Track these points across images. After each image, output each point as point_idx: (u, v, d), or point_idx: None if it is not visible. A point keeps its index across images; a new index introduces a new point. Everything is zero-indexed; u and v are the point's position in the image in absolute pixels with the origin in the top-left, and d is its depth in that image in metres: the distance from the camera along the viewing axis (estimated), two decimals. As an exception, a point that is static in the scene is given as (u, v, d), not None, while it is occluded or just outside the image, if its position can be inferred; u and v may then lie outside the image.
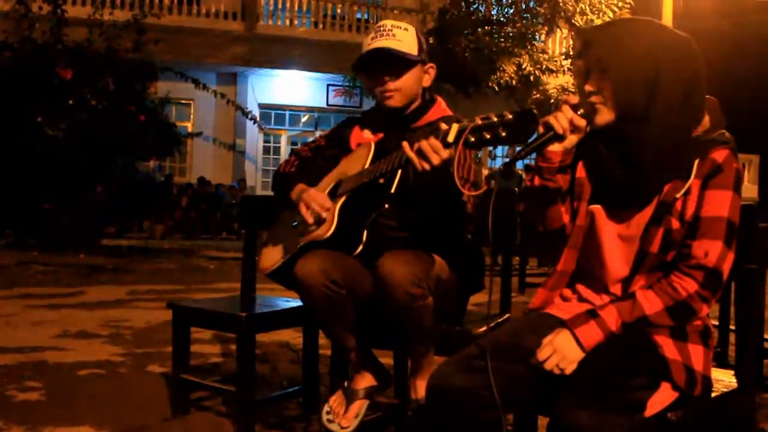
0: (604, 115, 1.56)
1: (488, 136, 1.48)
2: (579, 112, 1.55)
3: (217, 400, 2.99)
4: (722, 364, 2.32)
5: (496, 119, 1.48)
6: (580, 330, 1.48)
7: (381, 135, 2.33)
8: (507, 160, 1.71)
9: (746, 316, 1.70)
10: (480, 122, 1.50)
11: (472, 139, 1.50)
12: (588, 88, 1.56)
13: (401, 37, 2.24)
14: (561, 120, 1.56)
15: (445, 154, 1.73)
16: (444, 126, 1.79)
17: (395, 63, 2.22)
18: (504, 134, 1.46)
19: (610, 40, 1.55)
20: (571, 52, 13.65)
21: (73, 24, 10.26)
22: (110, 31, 10.16)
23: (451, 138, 1.58)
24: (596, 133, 1.59)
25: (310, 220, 2.18)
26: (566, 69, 13.44)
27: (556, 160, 1.60)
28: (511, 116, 1.47)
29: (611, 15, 12.43)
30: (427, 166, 1.77)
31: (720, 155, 1.52)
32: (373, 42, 2.24)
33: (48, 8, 10.09)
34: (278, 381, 3.35)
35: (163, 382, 3.18)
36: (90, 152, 9.94)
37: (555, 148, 1.59)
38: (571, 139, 1.58)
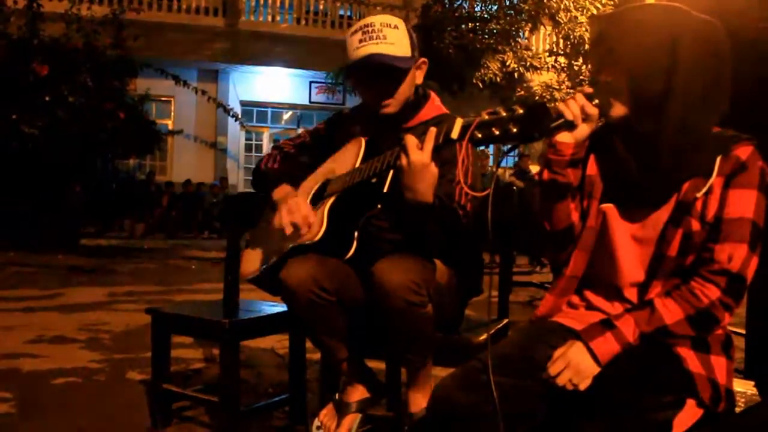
0: (620, 108, 1.45)
1: (497, 132, 1.36)
2: (593, 102, 1.44)
3: (200, 410, 2.85)
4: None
5: (505, 114, 1.36)
6: (596, 342, 1.37)
7: (371, 133, 2.19)
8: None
9: (765, 324, 1.59)
10: (487, 117, 1.38)
11: (479, 135, 1.38)
12: (603, 78, 1.45)
13: (393, 38, 2.04)
14: (572, 107, 1.45)
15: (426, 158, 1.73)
16: (433, 129, 1.73)
17: (391, 72, 2.05)
18: (515, 130, 1.34)
19: (624, 28, 1.43)
20: (555, 49, 13.64)
21: (49, 19, 10.00)
22: (88, 26, 9.94)
23: (455, 134, 1.46)
24: (610, 126, 1.48)
25: (289, 230, 2.01)
26: (550, 66, 13.39)
27: (567, 152, 1.49)
28: (522, 110, 1.35)
29: (595, 11, 12.36)
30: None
31: (744, 152, 1.41)
32: (362, 46, 2.04)
33: (23, 3, 9.85)
34: (264, 388, 3.22)
35: (143, 391, 3.04)
36: (68, 150, 9.71)
37: (566, 138, 1.48)
38: (583, 129, 1.47)
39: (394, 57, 2.03)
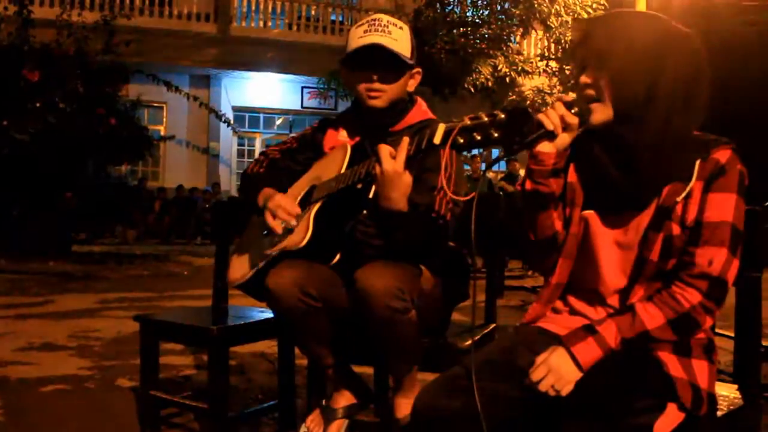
0: (601, 113, 1.45)
1: (479, 137, 1.36)
2: (573, 111, 1.45)
3: (189, 416, 2.85)
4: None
5: (487, 119, 1.36)
6: (577, 348, 1.37)
7: (357, 138, 2.20)
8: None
9: (748, 327, 1.60)
10: (469, 122, 1.39)
11: (461, 141, 1.39)
12: (584, 80, 1.46)
13: (397, 35, 2.08)
14: (552, 116, 1.45)
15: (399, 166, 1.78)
16: (406, 139, 1.77)
17: (390, 64, 2.07)
18: (496, 135, 1.35)
19: (611, 32, 1.45)
20: (546, 54, 13.67)
21: (40, 25, 10.00)
22: (79, 32, 9.94)
23: (437, 139, 1.47)
24: (589, 132, 1.49)
25: (279, 230, 2.02)
26: (542, 70, 13.43)
27: (548, 162, 1.49)
28: (503, 115, 1.35)
29: (585, 16, 12.40)
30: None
31: (723, 156, 1.42)
32: (366, 36, 2.06)
33: (14, 9, 9.85)
34: (254, 393, 3.22)
35: (132, 398, 3.03)
36: (59, 156, 9.69)
37: (547, 148, 1.48)
38: (564, 139, 1.48)
39: (396, 51, 2.06)
